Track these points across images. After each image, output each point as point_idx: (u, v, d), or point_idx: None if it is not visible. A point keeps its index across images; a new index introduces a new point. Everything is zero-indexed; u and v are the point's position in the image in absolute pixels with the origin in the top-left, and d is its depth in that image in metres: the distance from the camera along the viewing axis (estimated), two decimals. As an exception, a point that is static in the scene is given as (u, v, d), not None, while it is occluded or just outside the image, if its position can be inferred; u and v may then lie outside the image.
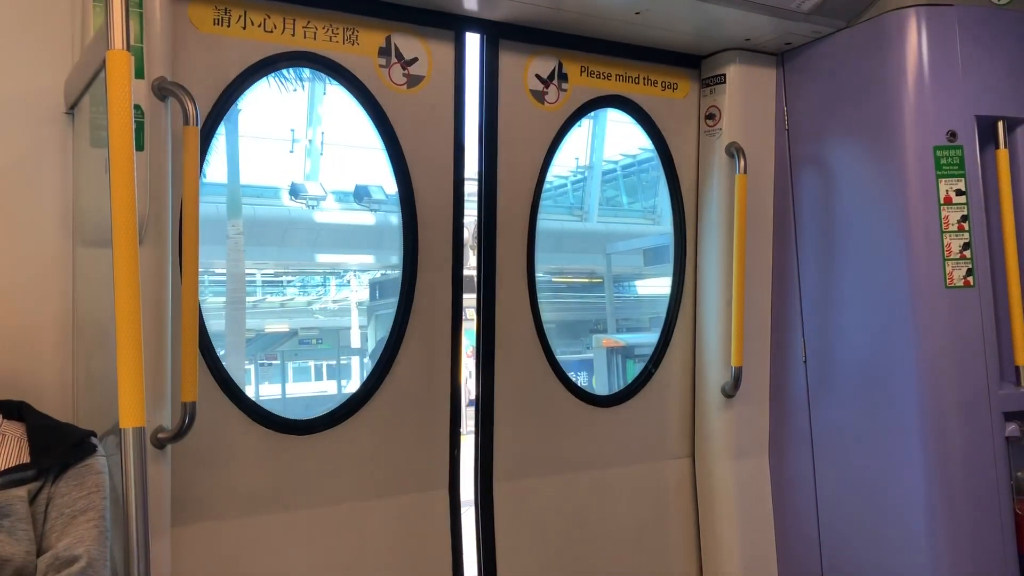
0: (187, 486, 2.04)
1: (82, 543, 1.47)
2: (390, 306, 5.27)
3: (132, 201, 1.42)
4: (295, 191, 5.07)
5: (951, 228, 2.56)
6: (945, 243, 2.55)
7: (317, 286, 5.96)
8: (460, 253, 2.57)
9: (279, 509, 2.24)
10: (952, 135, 2.56)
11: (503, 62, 2.62)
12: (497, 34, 2.60)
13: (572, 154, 5.21)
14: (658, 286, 3.22)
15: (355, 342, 5.80)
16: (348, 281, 5.84)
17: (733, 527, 2.91)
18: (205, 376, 2.12)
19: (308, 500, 2.29)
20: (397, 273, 5.16)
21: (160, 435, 1.90)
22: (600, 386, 4.54)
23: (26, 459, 1.54)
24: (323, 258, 5.61)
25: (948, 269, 2.55)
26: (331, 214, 5.28)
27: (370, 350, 5.29)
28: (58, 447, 1.56)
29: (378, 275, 5.48)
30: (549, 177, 2.81)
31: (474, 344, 2.64)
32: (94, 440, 1.61)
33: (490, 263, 2.61)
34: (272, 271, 5.42)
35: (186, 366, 1.86)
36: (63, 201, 1.91)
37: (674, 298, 3.02)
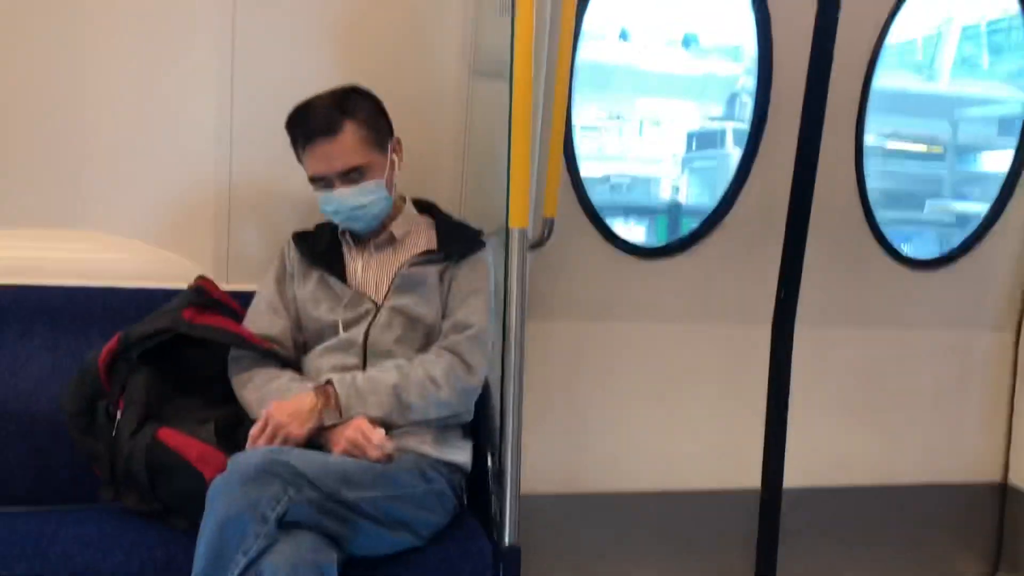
0: (539, 289, 2.36)
1: (475, 315, 1.83)
2: (705, 158, 5.28)
3: (530, 39, 1.67)
4: (623, 34, 5.14)
5: None
6: None
7: (633, 133, 6.08)
8: (813, 110, 2.56)
9: (616, 319, 2.56)
10: None
11: None
12: None
13: (928, 6, 4.71)
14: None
15: (665, 192, 5.90)
16: (664, 131, 5.88)
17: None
18: (572, 200, 2.43)
19: (642, 315, 2.58)
20: (717, 126, 5.12)
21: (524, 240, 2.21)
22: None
23: (434, 247, 1.91)
24: (642, 104, 5.68)
25: None
26: (656, 60, 5.29)
27: (682, 201, 5.38)
28: (459, 239, 1.92)
29: (696, 127, 5.46)
30: (897, 31, 2.64)
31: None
32: (483, 238, 1.94)
33: (814, 123, 2.57)
34: (593, 116, 5.60)
35: (550, 187, 2.17)
36: (463, 37, 2.17)
37: (1015, 167, 2.82)
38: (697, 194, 5.48)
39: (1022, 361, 2.87)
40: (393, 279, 1.86)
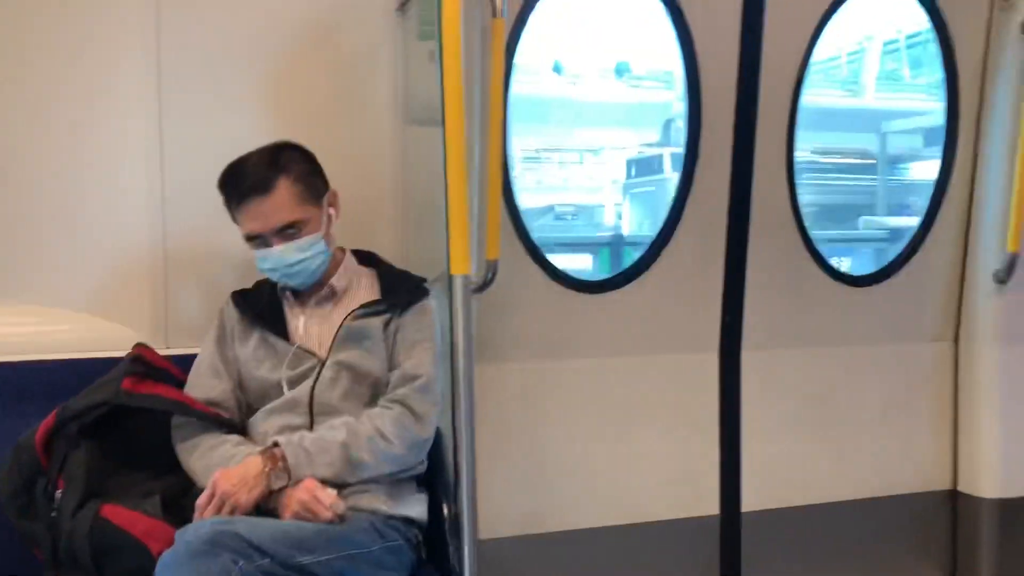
0: (488, 331, 2.36)
1: (422, 365, 1.81)
2: (645, 184, 5.34)
3: (459, 86, 1.67)
4: (557, 68, 5.19)
5: None
6: None
7: (574, 163, 6.14)
8: (744, 131, 2.62)
9: (564, 356, 2.55)
10: None
11: None
12: None
13: (849, 24, 4.85)
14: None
15: (609, 219, 5.97)
16: (604, 159, 5.95)
17: (995, 414, 2.85)
18: (513, 239, 2.43)
19: (591, 350, 2.58)
20: (654, 152, 5.18)
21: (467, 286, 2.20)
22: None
23: (378, 297, 1.90)
24: (580, 134, 5.74)
25: None
26: (590, 90, 5.35)
27: (624, 229, 5.43)
28: (402, 289, 1.91)
29: (634, 154, 5.53)
30: (821, 49, 2.71)
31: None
32: (427, 285, 1.93)
33: (747, 141, 2.63)
34: (532, 147, 5.66)
35: (491, 229, 2.16)
36: (394, 87, 2.20)
37: (942, 179, 2.90)
38: (639, 217, 5.55)
39: (962, 369, 2.94)
40: (336, 333, 1.84)
